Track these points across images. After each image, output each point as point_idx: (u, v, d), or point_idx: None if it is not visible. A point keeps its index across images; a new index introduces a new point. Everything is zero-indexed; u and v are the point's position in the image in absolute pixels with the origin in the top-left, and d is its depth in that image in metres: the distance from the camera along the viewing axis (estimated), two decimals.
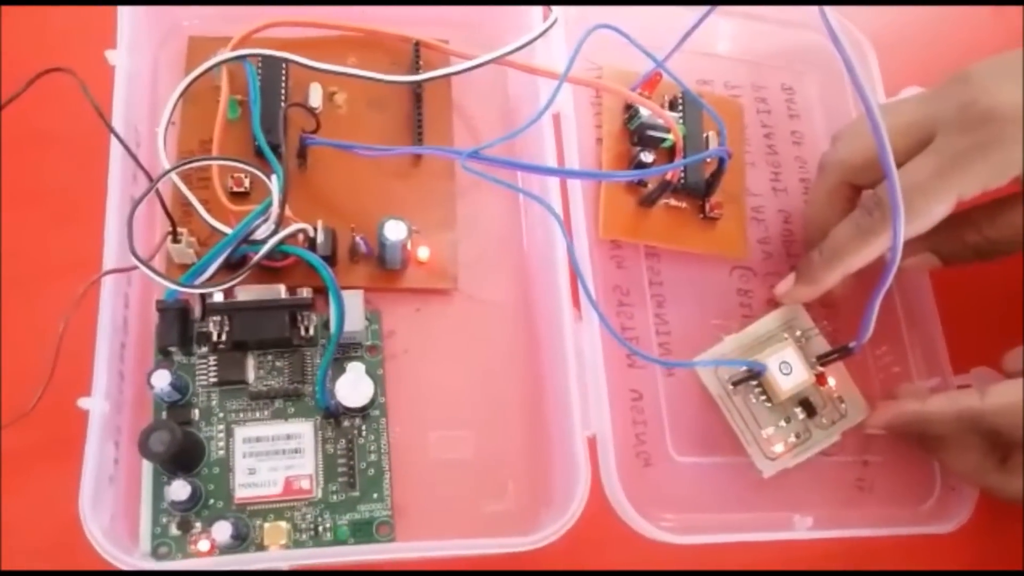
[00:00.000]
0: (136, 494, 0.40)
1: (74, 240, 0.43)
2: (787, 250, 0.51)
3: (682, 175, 0.48)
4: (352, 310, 0.42)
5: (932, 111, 0.42)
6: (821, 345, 0.47)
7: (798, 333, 0.47)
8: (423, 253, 0.46)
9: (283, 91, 0.46)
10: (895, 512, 0.46)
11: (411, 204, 0.47)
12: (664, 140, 0.48)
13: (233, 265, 0.42)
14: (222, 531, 0.39)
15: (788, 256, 0.51)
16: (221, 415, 0.42)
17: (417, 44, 0.49)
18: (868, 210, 0.43)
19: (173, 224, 0.42)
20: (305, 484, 0.41)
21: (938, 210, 0.41)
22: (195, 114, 0.46)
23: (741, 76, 0.55)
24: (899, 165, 0.39)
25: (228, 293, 0.42)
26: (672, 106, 0.50)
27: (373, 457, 0.42)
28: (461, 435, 0.44)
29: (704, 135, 0.49)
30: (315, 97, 0.48)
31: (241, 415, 0.42)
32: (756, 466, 0.45)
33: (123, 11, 0.45)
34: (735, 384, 0.46)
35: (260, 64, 0.46)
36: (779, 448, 0.45)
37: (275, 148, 0.44)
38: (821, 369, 0.46)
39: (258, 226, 0.41)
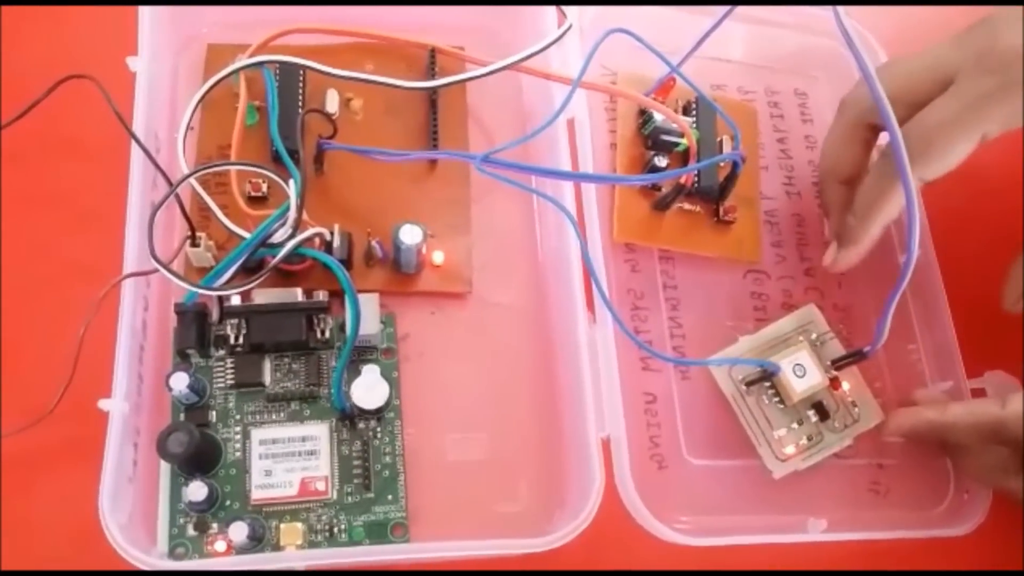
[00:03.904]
0: (154, 495, 0.41)
1: (95, 244, 0.43)
2: (800, 254, 0.51)
3: (696, 179, 0.48)
4: (368, 313, 0.42)
5: (955, 54, 0.42)
6: (836, 349, 0.47)
7: (813, 336, 0.47)
8: (438, 257, 0.46)
9: (300, 97, 0.47)
10: (909, 515, 0.46)
11: (426, 208, 0.47)
12: (678, 144, 0.49)
13: (251, 268, 0.42)
14: (238, 532, 0.39)
15: (802, 260, 0.51)
16: (238, 417, 0.43)
17: (433, 51, 0.50)
18: (887, 153, 0.43)
19: (192, 228, 0.42)
20: (321, 485, 0.42)
21: (960, 149, 0.42)
22: (214, 120, 0.47)
23: (754, 81, 0.55)
24: (922, 105, 0.41)
25: (245, 296, 0.42)
26: (686, 111, 0.50)
27: (388, 459, 0.43)
28: (475, 437, 0.45)
29: (718, 139, 0.49)
30: (332, 103, 0.48)
31: (258, 417, 0.43)
32: (766, 466, 0.45)
33: (143, 18, 0.45)
34: (748, 385, 0.46)
35: (278, 71, 0.47)
36: (790, 449, 0.45)
37: (292, 153, 0.44)
38: (835, 373, 0.46)
39: (275, 230, 0.42)
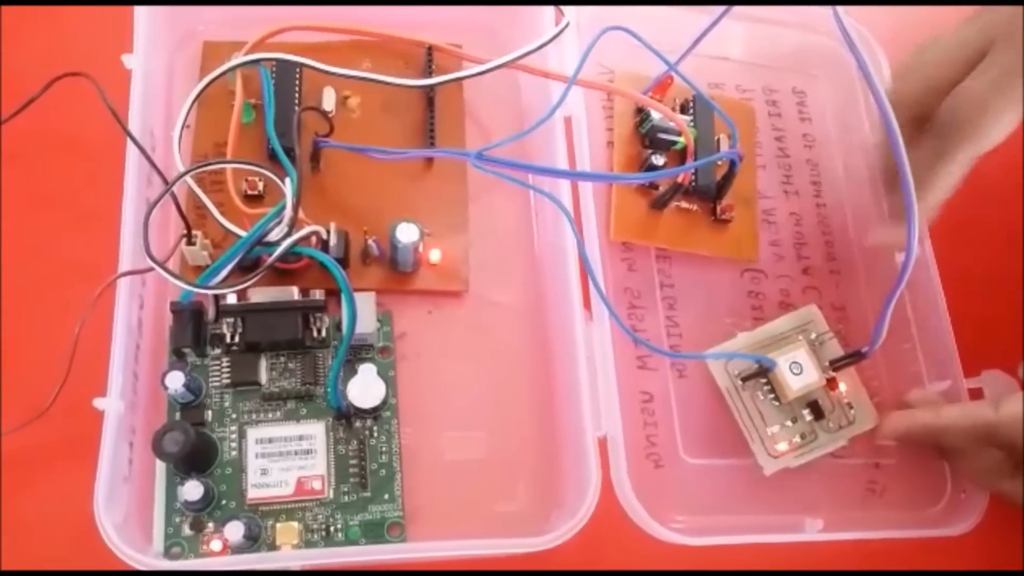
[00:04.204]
0: (150, 494, 0.41)
1: (90, 242, 0.43)
2: (798, 252, 0.51)
3: (693, 178, 0.48)
4: (364, 312, 0.42)
5: (987, 25, 0.42)
6: (835, 349, 0.47)
7: (812, 336, 0.47)
8: (435, 255, 0.46)
9: (297, 95, 0.47)
10: (906, 515, 0.46)
11: (423, 207, 0.47)
12: (675, 143, 0.48)
13: (247, 267, 0.42)
14: (234, 531, 0.39)
15: (799, 259, 0.51)
16: (234, 416, 0.42)
17: (430, 48, 0.50)
18: (938, 133, 0.43)
19: (188, 226, 0.42)
20: (317, 485, 0.41)
21: (1001, 124, 0.41)
22: (210, 118, 0.47)
23: (752, 79, 0.55)
24: (958, 81, 0.41)
25: (241, 295, 0.42)
26: (683, 109, 0.50)
27: (384, 458, 0.43)
28: (472, 436, 0.44)
29: (715, 138, 0.49)
30: (328, 101, 0.48)
31: (254, 416, 0.43)
32: (758, 462, 0.45)
33: (139, 16, 0.45)
34: (744, 380, 0.46)
35: (274, 68, 0.47)
36: (783, 447, 0.45)
37: (289, 151, 0.44)
38: (833, 374, 0.46)
39: (272, 228, 0.42)
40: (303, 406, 0.43)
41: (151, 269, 0.39)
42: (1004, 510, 0.45)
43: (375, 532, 0.41)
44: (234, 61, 0.45)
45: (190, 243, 0.42)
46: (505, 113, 0.51)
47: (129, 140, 0.42)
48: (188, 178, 0.42)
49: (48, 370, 0.40)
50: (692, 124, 0.49)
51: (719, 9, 0.47)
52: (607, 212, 0.48)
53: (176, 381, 0.40)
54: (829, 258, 0.51)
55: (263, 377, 0.43)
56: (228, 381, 0.43)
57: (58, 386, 0.40)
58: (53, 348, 0.40)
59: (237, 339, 0.42)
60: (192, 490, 0.39)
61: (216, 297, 0.42)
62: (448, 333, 0.46)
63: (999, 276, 0.48)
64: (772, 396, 0.46)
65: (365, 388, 0.42)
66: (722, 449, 0.46)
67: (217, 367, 0.43)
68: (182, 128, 0.43)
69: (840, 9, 0.41)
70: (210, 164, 0.44)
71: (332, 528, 0.41)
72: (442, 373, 0.45)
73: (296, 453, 0.42)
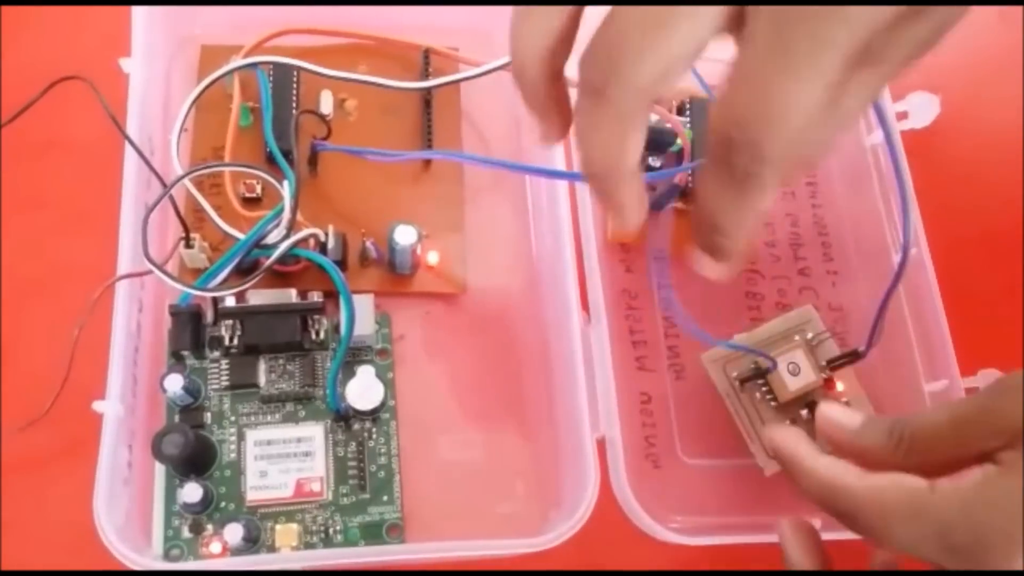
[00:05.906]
0: (149, 496, 0.41)
1: (89, 246, 0.43)
2: (794, 253, 0.51)
3: (690, 179, 0.48)
4: (362, 314, 0.42)
5: None
6: (832, 350, 0.47)
7: (810, 336, 0.47)
8: (432, 257, 0.46)
9: (294, 98, 0.47)
10: None
11: (421, 209, 0.47)
12: (672, 144, 0.49)
13: (245, 270, 0.42)
14: (234, 533, 0.39)
15: (796, 259, 0.51)
16: (233, 418, 0.43)
17: (427, 51, 0.50)
18: None
19: (186, 229, 0.42)
20: (316, 487, 0.42)
21: None
22: (208, 121, 0.47)
23: None
24: None
25: (240, 297, 0.42)
26: (680, 111, 0.50)
27: (383, 460, 0.43)
28: (471, 437, 0.45)
29: None
30: (326, 104, 0.48)
31: (253, 418, 0.43)
32: (758, 463, 0.45)
33: (137, 19, 0.45)
34: (742, 382, 0.46)
35: (272, 72, 0.47)
36: None
37: (287, 154, 0.44)
38: (830, 374, 0.46)
39: (270, 231, 0.42)
40: (302, 408, 0.43)
41: (150, 272, 0.39)
42: None
43: (374, 533, 0.41)
44: (232, 64, 0.45)
45: (188, 246, 0.43)
46: (502, 115, 0.51)
47: (127, 143, 0.42)
48: (186, 181, 0.43)
49: (47, 373, 0.40)
50: (688, 126, 0.49)
51: None
52: (604, 213, 0.48)
53: (175, 384, 0.41)
54: (826, 259, 0.52)
55: (262, 379, 0.43)
56: (227, 383, 0.43)
57: (57, 389, 0.40)
58: (52, 351, 0.41)
59: (236, 341, 0.42)
60: (191, 492, 0.40)
61: (215, 300, 0.42)
62: (446, 335, 0.46)
63: (996, 274, 0.48)
64: (770, 397, 0.46)
65: (364, 390, 0.42)
66: (720, 449, 0.46)
67: (216, 369, 0.43)
68: (180, 131, 0.44)
69: None
70: (208, 167, 0.44)
71: (331, 530, 0.41)
72: (440, 375, 0.45)
73: (295, 455, 0.42)
